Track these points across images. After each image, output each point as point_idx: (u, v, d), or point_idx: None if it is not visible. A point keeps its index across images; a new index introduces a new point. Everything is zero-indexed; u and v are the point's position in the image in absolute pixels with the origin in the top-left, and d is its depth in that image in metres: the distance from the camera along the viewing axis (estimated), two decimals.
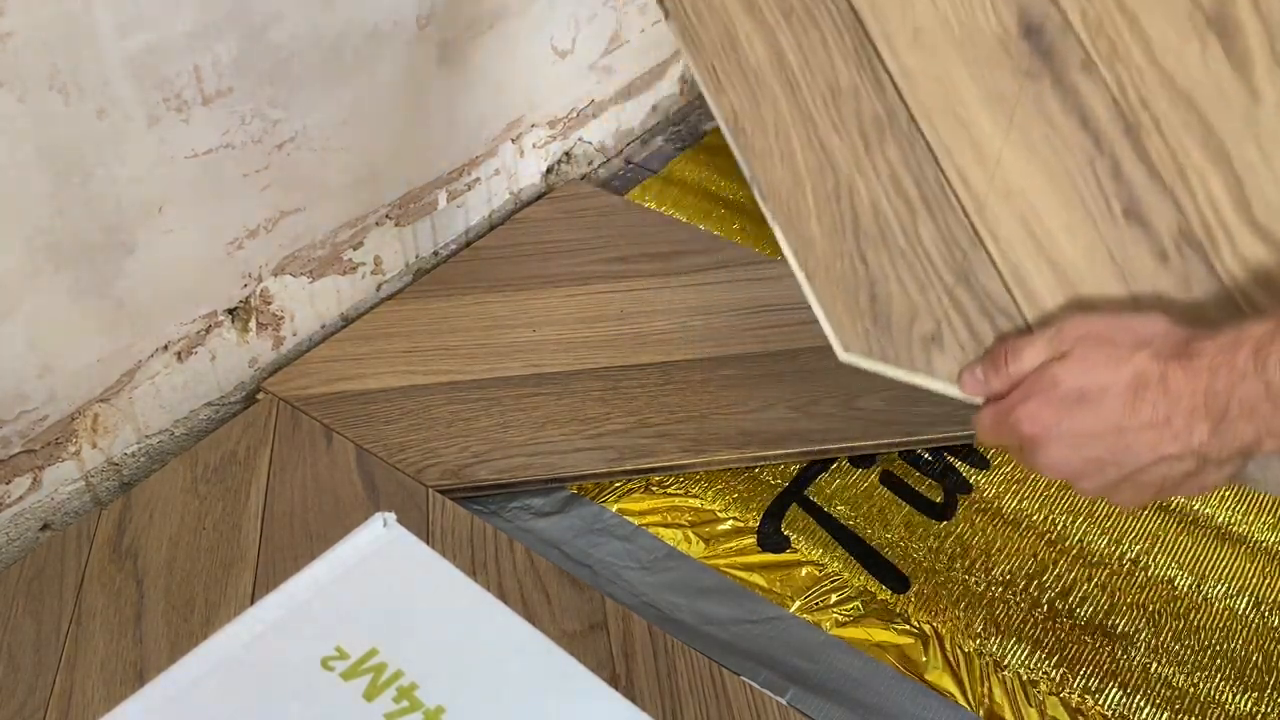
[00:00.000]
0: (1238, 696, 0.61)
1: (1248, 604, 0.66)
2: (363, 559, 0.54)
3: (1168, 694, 0.61)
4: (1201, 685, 0.62)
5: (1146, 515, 0.71)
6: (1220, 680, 0.62)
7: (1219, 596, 0.67)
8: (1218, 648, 0.64)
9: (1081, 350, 0.50)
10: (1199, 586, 0.67)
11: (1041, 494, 0.72)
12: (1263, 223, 0.47)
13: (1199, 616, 0.65)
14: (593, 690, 0.49)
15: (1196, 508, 0.72)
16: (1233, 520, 0.71)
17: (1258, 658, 0.63)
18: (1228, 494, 0.73)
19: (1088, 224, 0.48)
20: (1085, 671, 0.62)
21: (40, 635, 0.59)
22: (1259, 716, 0.60)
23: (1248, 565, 0.68)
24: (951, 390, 0.51)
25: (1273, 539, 0.70)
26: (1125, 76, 0.47)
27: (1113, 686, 0.61)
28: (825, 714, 0.59)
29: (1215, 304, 0.48)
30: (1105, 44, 0.48)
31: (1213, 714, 0.60)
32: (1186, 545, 0.70)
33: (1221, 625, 0.65)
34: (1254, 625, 0.65)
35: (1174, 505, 0.72)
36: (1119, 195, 0.48)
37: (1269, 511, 0.72)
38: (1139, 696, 0.61)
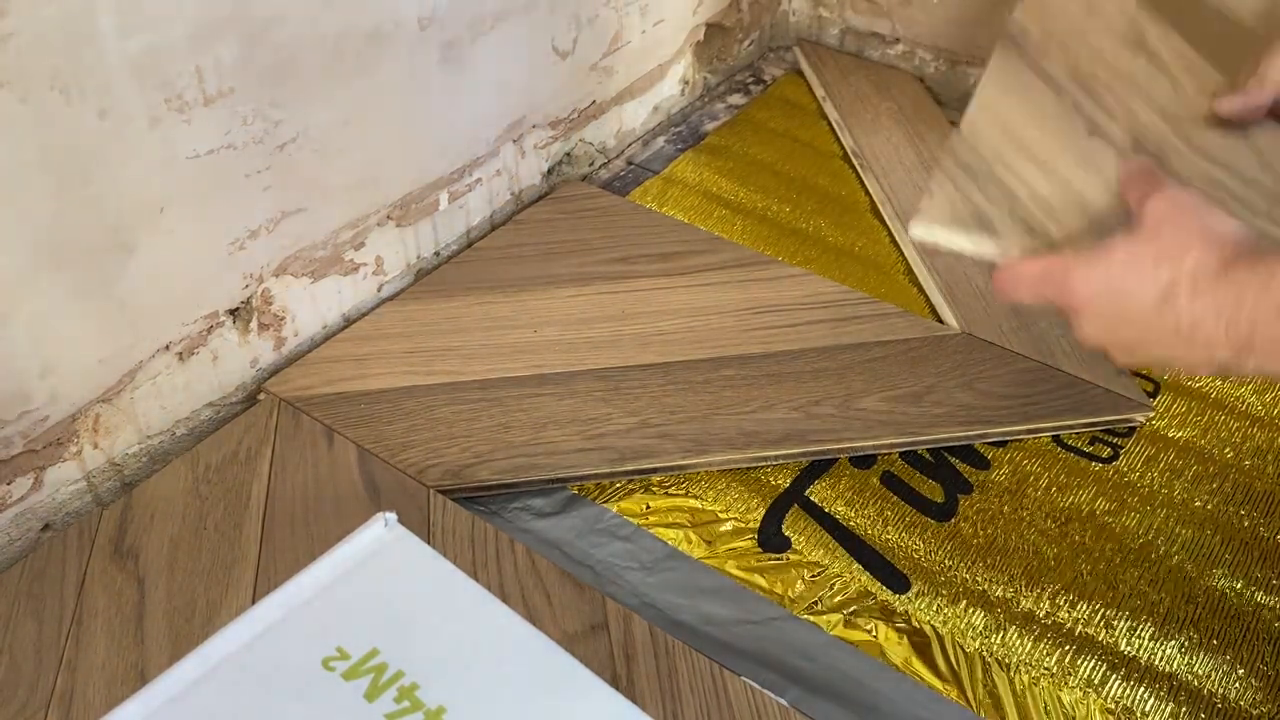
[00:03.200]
0: (1243, 688, 0.61)
1: (1253, 596, 0.66)
2: (364, 559, 0.54)
3: (1172, 688, 0.61)
4: (1206, 679, 0.62)
5: (1149, 510, 0.71)
6: (1226, 673, 0.62)
7: (1223, 589, 0.67)
8: (1223, 641, 0.64)
9: (1151, 228, 0.54)
10: (1203, 580, 0.67)
11: (1043, 493, 0.72)
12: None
13: (1203, 610, 0.65)
14: (594, 690, 0.49)
15: (1198, 505, 0.72)
16: (1234, 517, 0.71)
17: (1266, 650, 0.63)
18: (1229, 491, 0.73)
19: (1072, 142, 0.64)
20: (1087, 668, 0.62)
21: (41, 635, 0.59)
22: (1265, 709, 0.60)
23: (1253, 558, 0.68)
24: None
25: (1276, 531, 0.70)
26: (1075, 61, 0.68)
27: (1115, 682, 0.61)
28: (826, 714, 0.59)
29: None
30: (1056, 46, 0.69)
31: (1218, 707, 0.60)
32: (1190, 538, 0.70)
33: (1226, 618, 0.65)
34: (1260, 617, 0.65)
35: (1175, 501, 0.72)
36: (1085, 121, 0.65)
37: (1276, 502, 0.72)
38: (1142, 690, 0.61)
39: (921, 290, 0.89)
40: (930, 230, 0.59)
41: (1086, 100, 0.67)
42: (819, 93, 1.14)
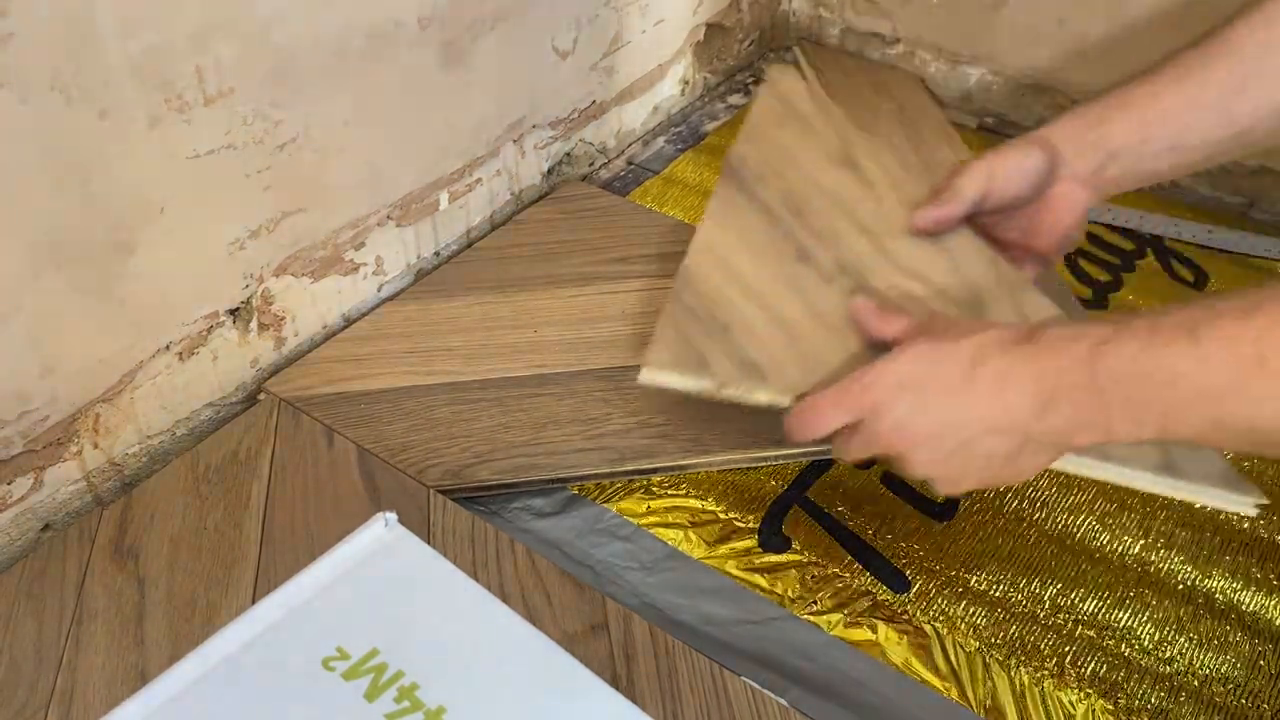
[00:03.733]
0: (1244, 688, 0.61)
1: (1253, 597, 0.66)
2: (364, 559, 0.54)
3: (1172, 688, 0.61)
4: (1206, 679, 0.62)
5: (1148, 511, 0.71)
6: (1226, 673, 0.62)
7: (1223, 591, 0.67)
8: (1223, 641, 0.64)
9: (924, 342, 0.56)
10: (1202, 582, 0.67)
11: (1044, 492, 0.72)
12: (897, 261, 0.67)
13: (1202, 610, 0.65)
14: (594, 690, 0.49)
15: (1198, 506, 0.72)
16: (1233, 518, 0.71)
17: (1266, 649, 0.63)
18: None
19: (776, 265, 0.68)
20: (1088, 668, 0.62)
21: (41, 635, 0.59)
22: (1267, 708, 0.60)
23: (1252, 559, 0.68)
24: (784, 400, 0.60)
25: (1275, 532, 0.70)
26: (790, 186, 0.73)
27: (1116, 682, 0.61)
28: (827, 714, 0.59)
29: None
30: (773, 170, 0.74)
31: (1218, 705, 0.60)
32: (1190, 538, 0.70)
33: (1226, 619, 0.65)
34: (1259, 617, 0.65)
35: (1175, 502, 0.72)
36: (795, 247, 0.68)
37: (1274, 509, 0.72)
38: (1143, 690, 0.61)
39: None
40: (656, 375, 0.60)
41: (797, 225, 0.70)
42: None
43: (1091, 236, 0.97)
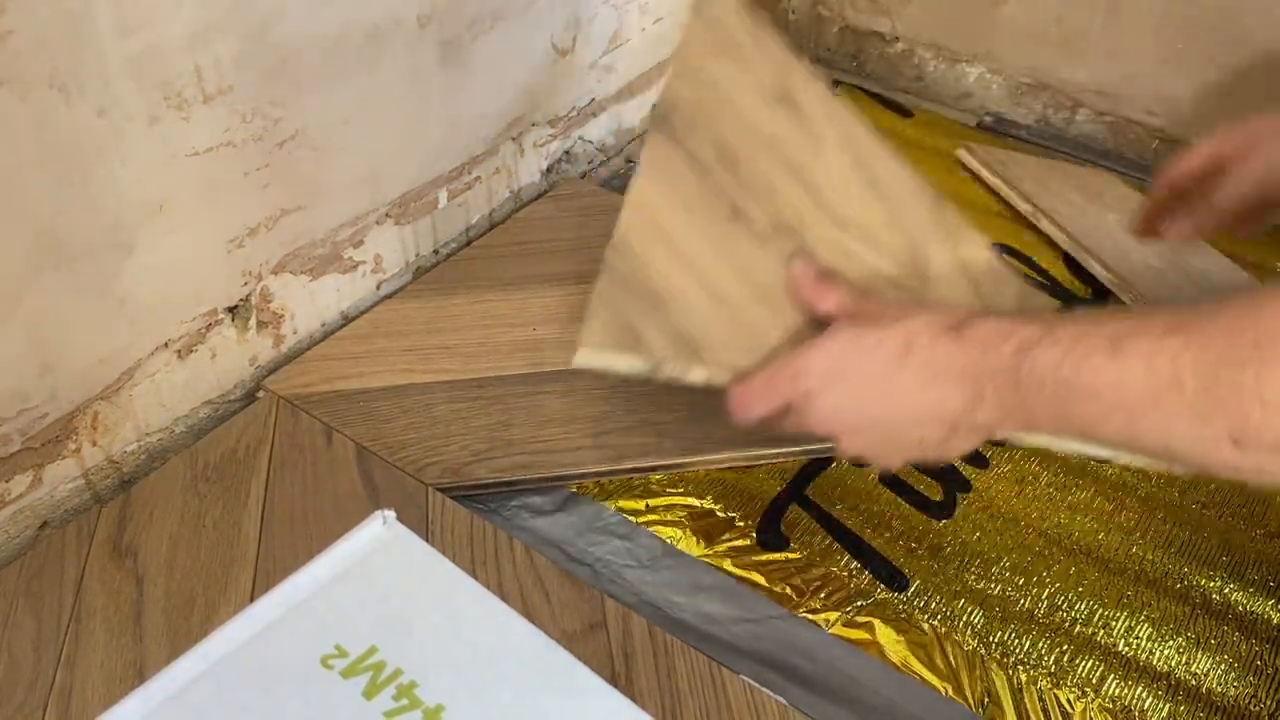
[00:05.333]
0: (1241, 687, 0.61)
1: (1249, 597, 0.66)
2: (362, 557, 0.54)
3: (1170, 686, 0.61)
4: (1204, 678, 0.62)
5: (1146, 511, 0.71)
6: (1224, 672, 0.62)
7: (1219, 591, 0.67)
8: (1220, 640, 0.64)
9: (858, 322, 0.56)
10: (1200, 581, 0.67)
11: (1043, 492, 0.72)
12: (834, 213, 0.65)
13: (1199, 610, 0.65)
14: (593, 689, 0.49)
15: (1194, 506, 0.72)
16: (1230, 519, 0.71)
17: (1264, 649, 0.63)
18: (1228, 491, 0.73)
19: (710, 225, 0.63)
20: (1086, 667, 0.62)
21: (40, 633, 0.59)
22: (1265, 706, 0.60)
23: (1248, 560, 0.68)
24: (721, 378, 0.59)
25: (1271, 533, 0.70)
26: (722, 134, 0.66)
27: (1114, 680, 0.61)
28: (825, 713, 0.59)
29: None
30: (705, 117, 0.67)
31: (1216, 704, 0.60)
32: (1187, 539, 0.70)
33: (1222, 618, 0.65)
34: (1256, 617, 0.65)
35: (1174, 500, 0.72)
36: (728, 204, 0.64)
37: (1271, 505, 0.72)
38: (1140, 689, 0.61)
39: None
40: (591, 356, 0.57)
41: (730, 180, 0.65)
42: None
43: None
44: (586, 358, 0.57)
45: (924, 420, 0.55)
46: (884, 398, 0.55)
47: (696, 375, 0.59)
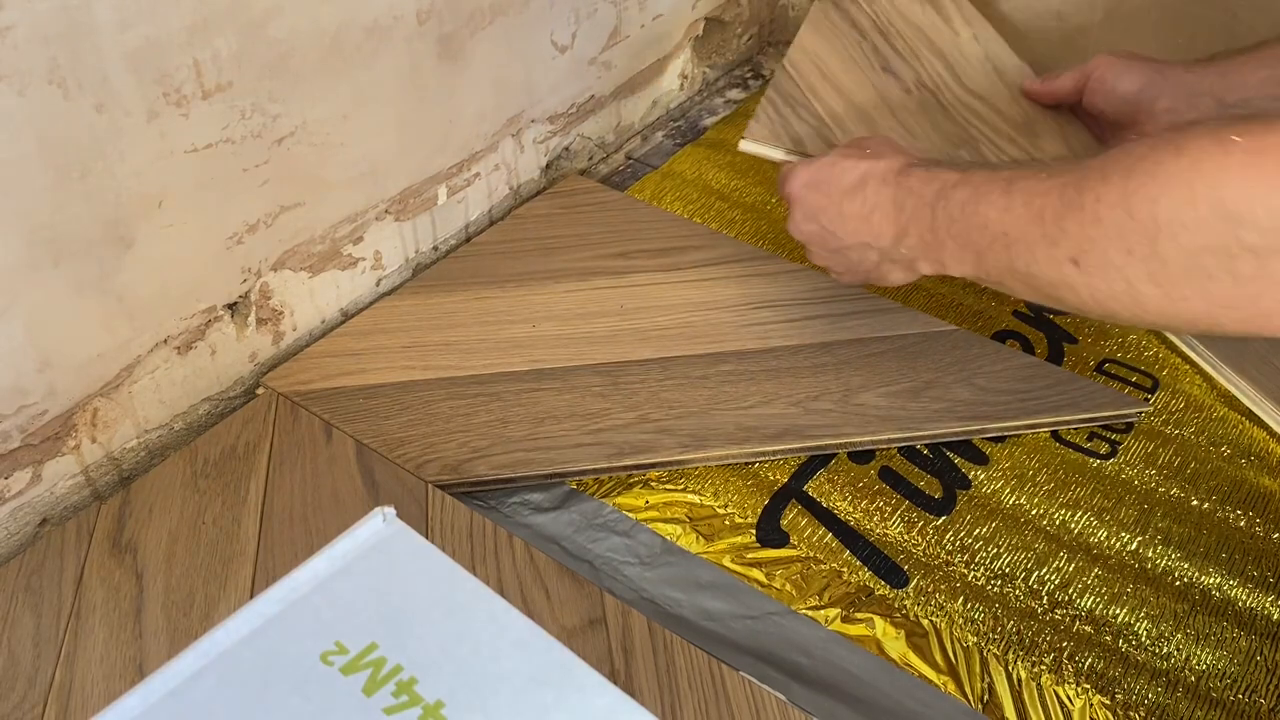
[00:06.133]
0: (1241, 684, 0.61)
1: (1249, 594, 0.66)
2: (362, 554, 0.54)
3: (1169, 683, 0.61)
4: (1203, 675, 0.62)
5: (1146, 508, 0.71)
6: (1223, 669, 0.62)
7: (1219, 587, 0.67)
8: (1219, 637, 0.64)
9: (860, 142, 0.70)
10: (1199, 578, 0.67)
11: (1042, 489, 0.72)
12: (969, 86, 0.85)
13: (1199, 607, 0.65)
14: (592, 685, 0.49)
15: (1194, 503, 0.72)
16: (1230, 515, 0.71)
17: (1264, 645, 0.63)
18: (1225, 489, 0.73)
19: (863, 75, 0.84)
20: (1086, 663, 0.62)
21: (39, 629, 0.59)
22: (1265, 702, 0.60)
23: (1248, 556, 0.68)
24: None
25: (1271, 530, 0.70)
26: (878, 9, 0.90)
27: (1114, 677, 0.61)
28: (825, 709, 0.59)
29: (946, 124, 0.82)
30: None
31: (1215, 701, 0.60)
32: (1187, 535, 0.70)
33: (1222, 615, 0.65)
34: (1256, 614, 0.65)
35: (1172, 498, 0.72)
36: (881, 60, 0.85)
37: (1271, 501, 0.72)
38: (1140, 686, 0.61)
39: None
40: (754, 146, 0.78)
41: (883, 43, 0.86)
42: None
43: None
44: (750, 146, 0.78)
45: (859, 246, 0.67)
46: (837, 219, 0.67)
47: None
